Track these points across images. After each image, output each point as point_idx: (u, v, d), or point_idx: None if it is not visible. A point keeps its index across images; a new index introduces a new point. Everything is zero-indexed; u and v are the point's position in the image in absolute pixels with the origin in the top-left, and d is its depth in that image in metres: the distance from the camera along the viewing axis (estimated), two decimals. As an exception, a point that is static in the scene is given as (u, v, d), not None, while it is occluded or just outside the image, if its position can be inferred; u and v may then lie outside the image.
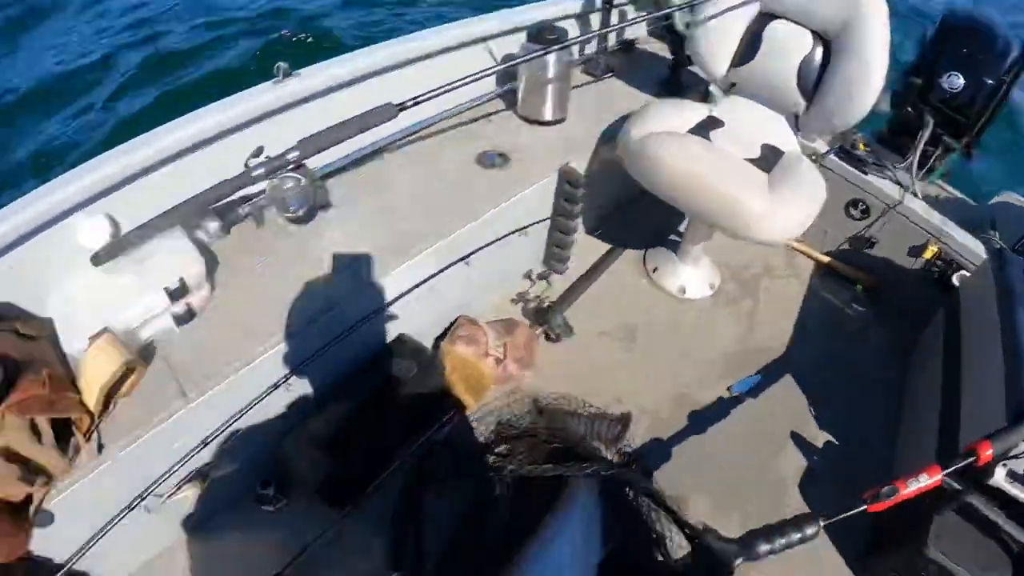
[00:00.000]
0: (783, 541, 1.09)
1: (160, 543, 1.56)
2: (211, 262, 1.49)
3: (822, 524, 1.08)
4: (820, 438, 1.77)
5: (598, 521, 1.46)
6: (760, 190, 1.62)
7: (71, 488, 1.25)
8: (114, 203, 1.47)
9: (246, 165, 1.48)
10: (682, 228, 2.16)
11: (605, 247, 2.19)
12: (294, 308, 1.45)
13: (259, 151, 1.50)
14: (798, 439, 1.76)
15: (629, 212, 2.30)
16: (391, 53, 1.73)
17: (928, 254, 1.98)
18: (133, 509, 1.33)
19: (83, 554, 1.32)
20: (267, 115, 1.60)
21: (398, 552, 1.50)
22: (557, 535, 1.40)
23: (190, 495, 1.46)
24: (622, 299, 2.08)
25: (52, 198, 1.38)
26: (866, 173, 2.09)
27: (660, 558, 1.46)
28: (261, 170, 1.42)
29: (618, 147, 1.77)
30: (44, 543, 1.27)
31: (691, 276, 2.10)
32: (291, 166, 1.43)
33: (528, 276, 2.02)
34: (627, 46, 2.35)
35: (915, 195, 2.04)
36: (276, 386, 1.42)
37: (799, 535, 1.09)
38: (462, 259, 1.61)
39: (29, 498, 1.21)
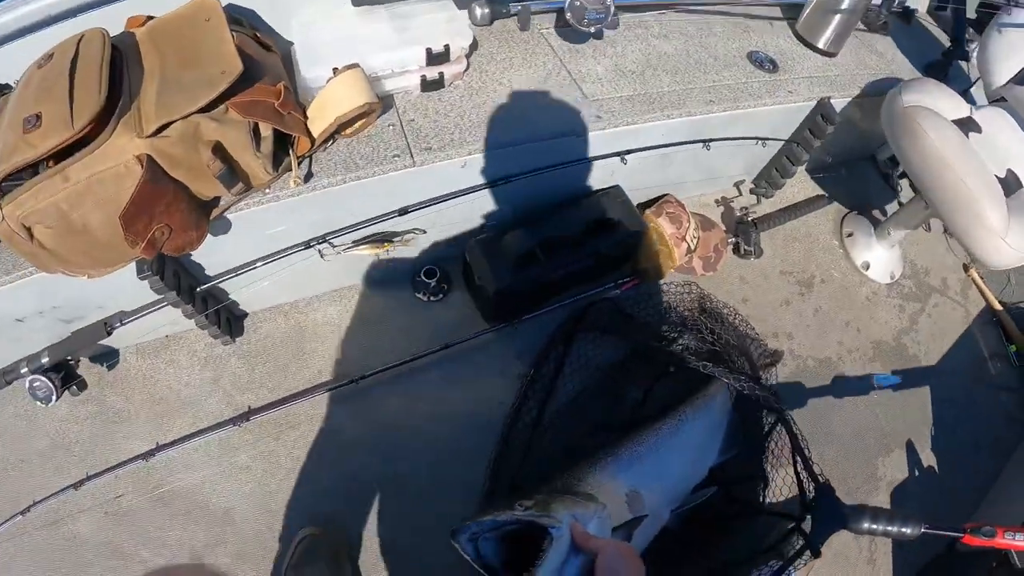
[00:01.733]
0: (884, 527, 1.15)
1: (313, 289, 1.63)
2: (472, 43, 1.47)
3: (923, 529, 1.14)
4: (925, 461, 1.79)
5: (724, 428, 1.52)
6: (1001, 207, 1.57)
7: (260, 206, 1.26)
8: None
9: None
10: (890, 209, 2.12)
11: (816, 192, 2.16)
12: (534, 118, 1.45)
13: (564, -44, 1.46)
14: (908, 450, 1.79)
15: (850, 170, 2.27)
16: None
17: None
18: (309, 247, 1.37)
19: (240, 272, 1.38)
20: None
21: (533, 380, 1.56)
22: (689, 424, 1.46)
23: (365, 255, 1.50)
24: (812, 248, 2.08)
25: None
26: None
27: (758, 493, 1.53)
28: (571, -27, 1.39)
29: (885, 106, 1.69)
30: (208, 251, 1.28)
31: (879, 257, 2.06)
32: (601, -20, 1.41)
33: (737, 185, 2.01)
34: (908, 13, 2.19)
35: None
36: (493, 183, 1.44)
37: (899, 528, 1.15)
38: (704, 141, 1.59)
39: (216, 200, 1.23)
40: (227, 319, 1.56)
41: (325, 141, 1.31)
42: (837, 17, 1.77)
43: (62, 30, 1.30)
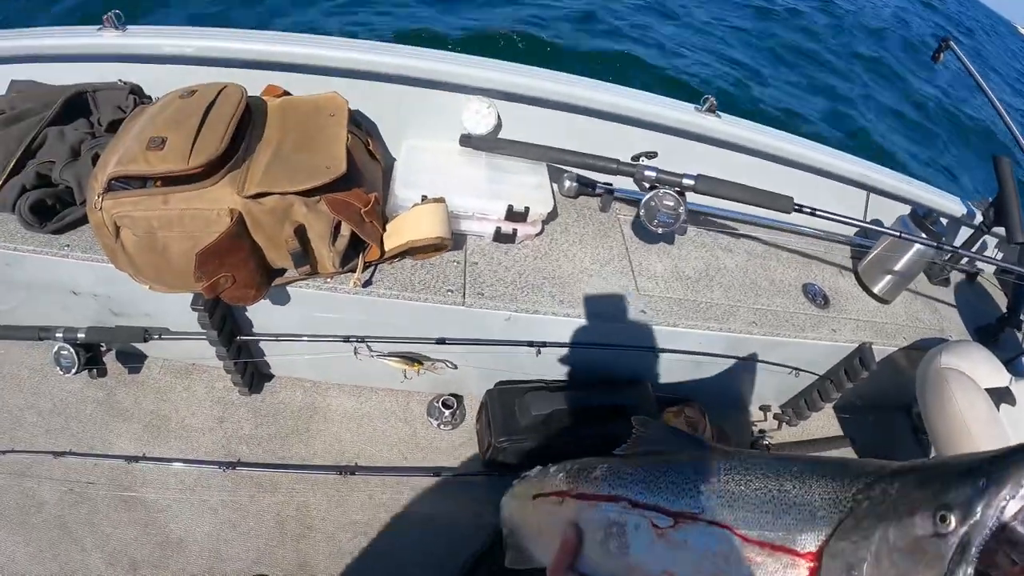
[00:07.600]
0: None
1: (338, 377, 1.72)
2: (552, 211, 1.58)
3: None
4: None
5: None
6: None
7: (318, 291, 1.35)
8: (510, 111, 1.59)
9: (636, 159, 1.58)
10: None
11: (838, 431, 2.11)
12: (584, 295, 1.51)
13: (653, 155, 1.58)
14: None
15: (877, 417, 2.20)
16: (798, 150, 1.81)
17: None
18: (347, 342, 1.45)
19: (280, 339, 1.48)
20: (676, 131, 1.71)
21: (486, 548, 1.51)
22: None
23: (394, 367, 1.56)
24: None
25: (469, 70, 1.53)
26: None
27: None
28: (652, 174, 1.51)
29: (922, 364, 1.70)
30: (260, 309, 1.39)
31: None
32: (678, 189, 1.52)
33: (764, 408, 1.98)
34: (973, 273, 2.22)
35: None
36: (530, 344, 1.50)
37: None
38: (738, 358, 1.64)
39: (282, 271, 1.34)
40: (252, 373, 1.66)
41: (393, 257, 1.43)
42: (898, 267, 1.81)
43: (210, 73, 1.49)
